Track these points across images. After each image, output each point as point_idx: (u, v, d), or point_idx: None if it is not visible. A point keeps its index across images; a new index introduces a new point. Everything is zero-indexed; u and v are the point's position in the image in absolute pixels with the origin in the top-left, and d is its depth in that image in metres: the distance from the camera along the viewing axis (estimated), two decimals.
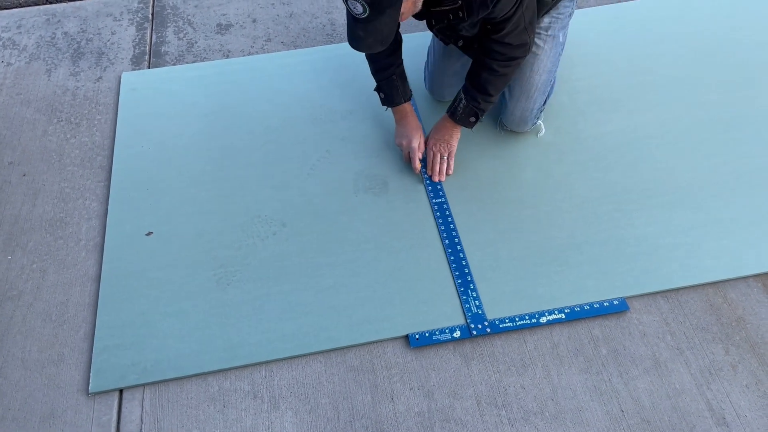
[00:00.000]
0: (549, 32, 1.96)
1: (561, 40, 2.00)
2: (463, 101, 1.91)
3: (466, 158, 2.06)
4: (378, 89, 1.99)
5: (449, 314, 1.72)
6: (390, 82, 1.96)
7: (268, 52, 2.48)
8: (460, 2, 1.64)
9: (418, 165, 2.01)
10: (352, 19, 1.55)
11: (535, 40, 1.94)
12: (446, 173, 2.02)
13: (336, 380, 1.62)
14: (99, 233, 1.94)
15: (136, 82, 2.37)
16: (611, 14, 2.53)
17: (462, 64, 2.10)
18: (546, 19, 1.95)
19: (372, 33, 1.52)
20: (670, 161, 2.03)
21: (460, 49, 1.97)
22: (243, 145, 2.14)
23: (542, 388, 1.59)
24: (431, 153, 2.03)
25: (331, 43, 2.51)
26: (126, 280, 1.82)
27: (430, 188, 1.99)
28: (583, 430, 1.52)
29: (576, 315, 1.70)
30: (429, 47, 2.22)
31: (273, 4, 2.68)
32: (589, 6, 2.56)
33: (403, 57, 1.97)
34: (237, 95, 2.30)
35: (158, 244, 1.89)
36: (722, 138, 2.08)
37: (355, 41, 1.58)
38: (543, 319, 1.70)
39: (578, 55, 2.35)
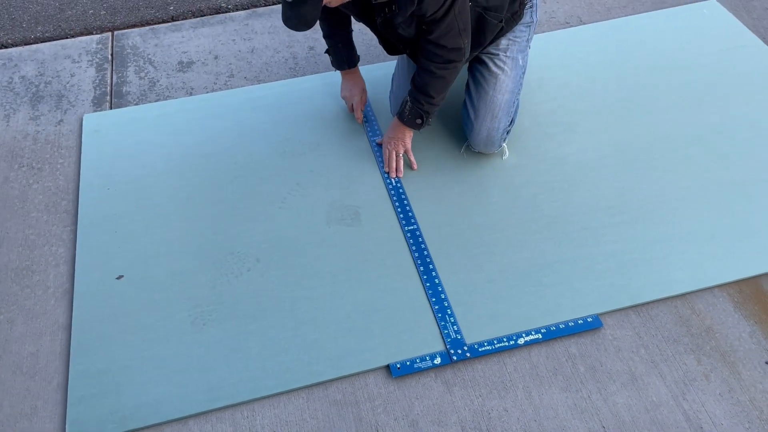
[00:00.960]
0: (508, 53, 2.04)
1: (521, 62, 2.07)
2: (409, 103, 2.02)
3: (435, 183, 2.10)
4: (327, 52, 2.18)
5: (429, 341, 1.73)
6: (336, 49, 2.14)
7: (231, 88, 2.49)
8: None
9: (359, 115, 2.26)
10: (284, 0, 1.70)
11: (496, 61, 2.02)
12: (411, 168, 2.14)
13: (319, 416, 1.62)
14: (67, 279, 1.90)
15: (99, 124, 2.34)
16: (563, 39, 2.61)
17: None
18: (504, 41, 2.03)
19: (297, 16, 1.67)
20: (628, 179, 2.09)
21: (409, 56, 2.07)
22: (211, 181, 2.13)
23: (524, 409, 1.61)
24: (386, 151, 2.14)
25: (294, 76, 2.53)
26: (98, 327, 1.78)
27: (402, 216, 2.01)
28: None
29: (552, 334, 1.73)
30: (393, 75, 2.26)
31: (234, 40, 2.70)
32: (542, 32, 2.64)
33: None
34: (202, 132, 2.30)
35: (130, 288, 1.87)
36: (675, 155, 2.16)
37: (284, 18, 1.73)
38: (521, 341, 1.72)
39: (535, 80, 2.41)
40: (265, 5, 2.89)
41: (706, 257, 1.88)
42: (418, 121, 2.03)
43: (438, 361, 1.69)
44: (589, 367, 1.68)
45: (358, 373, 1.68)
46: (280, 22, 2.76)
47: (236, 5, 2.90)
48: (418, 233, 1.97)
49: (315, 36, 2.68)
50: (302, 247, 1.95)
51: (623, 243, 1.92)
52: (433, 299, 1.81)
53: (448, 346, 1.71)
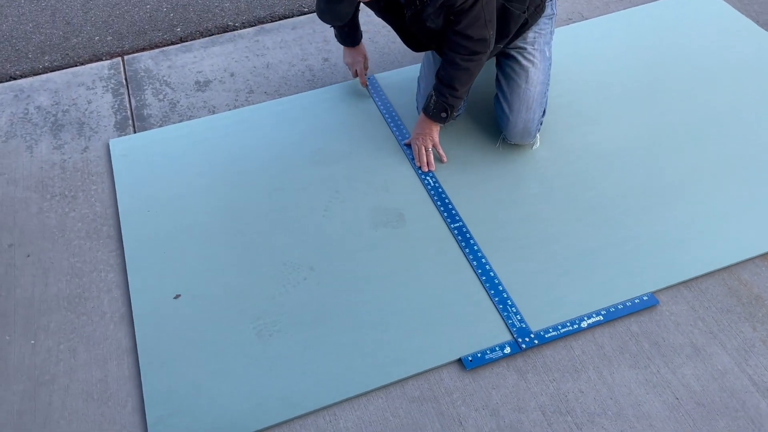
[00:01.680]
0: (536, 46, 2.11)
1: (548, 54, 2.14)
2: (434, 97, 2.07)
3: (471, 180, 2.14)
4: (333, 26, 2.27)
5: (495, 332, 1.77)
6: (341, 30, 2.28)
7: (252, 104, 2.50)
8: None
9: (363, 80, 2.43)
10: None
11: (525, 54, 2.10)
12: (441, 161, 2.20)
13: (401, 413, 1.64)
14: (123, 303, 1.89)
15: (126, 148, 2.33)
16: (568, 35, 2.69)
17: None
18: (530, 35, 2.10)
19: (331, 11, 1.89)
20: (655, 162, 2.17)
21: (435, 51, 2.13)
22: (249, 196, 2.14)
23: (599, 389, 1.66)
24: (415, 146, 2.20)
25: (314, 88, 2.55)
26: (164, 347, 1.77)
27: (445, 214, 2.05)
28: (647, 422, 1.59)
29: (612, 315, 1.79)
30: (419, 78, 2.31)
31: (247, 57, 2.72)
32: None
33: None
34: (232, 148, 2.31)
35: (189, 306, 1.86)
36: (694, 136, 2.24)
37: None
38: (584, 324, 1.77)
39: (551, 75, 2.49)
40: (272, 21, 2.92)
41: (743, 229, 1.96)
42: (443, 114, 2.09)
43: (508, 350, 1.73)
44: (652, 343, 1.74)
45: (431, 369, 1.71)
46: (290, 37, 2.79)
47: (243, 23, 2.92)
48: (464, 229, 2.01)
49: (328, 48, 2.72)
50: (353, 252, 1.97)
51: (663, 223, 1.99)
52: (492, 291, 1.85)
53: (515, 335, 1.75)
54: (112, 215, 2.13)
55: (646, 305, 1.81)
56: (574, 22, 2.78)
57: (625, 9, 2.83)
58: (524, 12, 2.01)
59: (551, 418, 1.61)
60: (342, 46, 2.39)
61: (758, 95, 2.37)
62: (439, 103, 2.06)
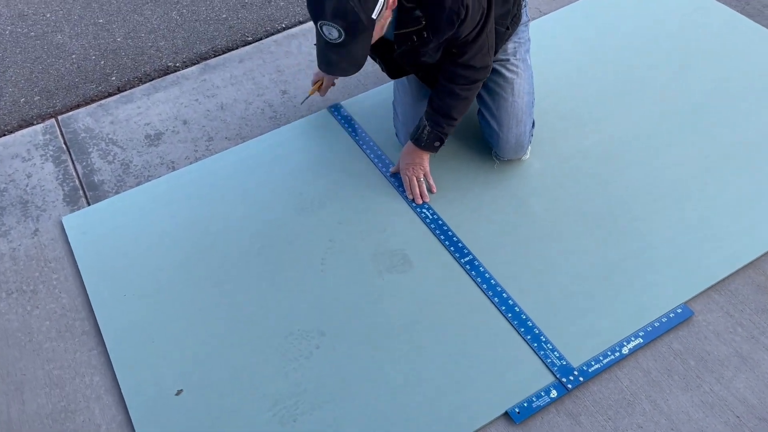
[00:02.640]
0: (517, 56, 2.00)
1: (529, 62, 2.05)
2: (427, 128, 1.93)
3: (469, 205, 2.01)
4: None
5: (536, 375, 1.64)
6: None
7: (215, 152, 2.29)
8: (424, 23, 1.66)
9: (324, 93, 2.28)
10: (324, 44, 1.56)
11: (507, 66, 1.99)
12: (430, 192, 2.04)
13: None
14: (118, 410, 1.66)
15: (82, 224, 2.08)
16: (531, 34, 2.58)
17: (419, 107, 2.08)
18: (510, 45, 1.99)
19: (346, 57, 1.56)
20: (653, 160, 2.09)
21: (420, 79, 1.99)
22: (234, 260, 1.94)
23: (657, 420, 1.56)
24: (406, 178, 2.04)
25: (278, 125, 2.36)
26: None
27: (452, 248, 1.91)
28: None
29: (651, 335, 1.69)
30: (394, 102, 2.15)
31: (197, 99, 2.49)
32: None
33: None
34: (202, 207, 2.09)
35: (194, 400, 1.66)
36: (686, 125, 2.18)
37: (327, 66, 1.61)
38: (624, 350, 1.67)
39: None
40: (215, 55, 2.69)
41: (758, 221, 1.91)
42: (437, 143, 1.97)
43: (554, 394, 1.61)
44: (698, 359, 1.66)
45: (479, 430, 1.57)
46: (239, 71, 2.58)
47: (184, 62, 2.68)
48: (476, 263, 1.87)
49: (284, 78, 2.53)
50: (362, 306, 1.81)
51: (676, 226, 1.91)
52: (522, 329, 1.72)
53: (558, 375, 1.63)
54: (82, 306, 1.89)
55: (682, 318, 1.72)
56: (534, 19, 2.67)
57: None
58: (507, 28, 1.89)
59: None
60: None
61: (739, 76, 2.33)
62: (434, 134, 1.93)
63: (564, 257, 1.87)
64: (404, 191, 2.06)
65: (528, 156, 2.12)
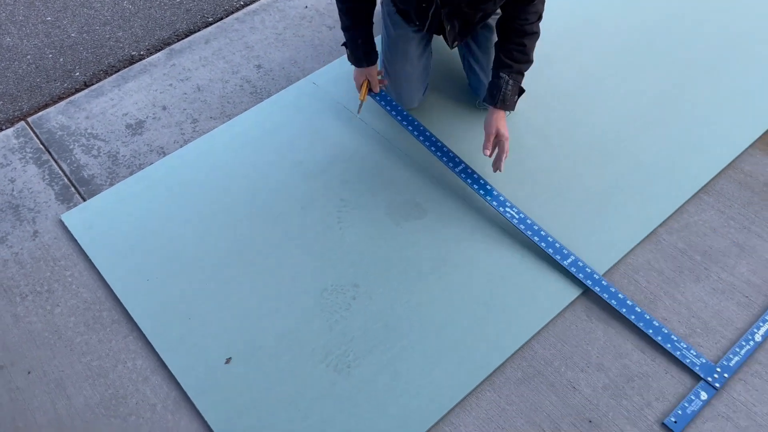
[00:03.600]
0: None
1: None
2: (510, 83, 1.87)
3: (475, 145, 2.09)
4: (344, 45, 2.06)
5: (564, 287, 1.76)
6: (355, 45, 2.01)
7: (204, 133, 2.28)
8: None
9: (377, 89, 2.16)
10: None
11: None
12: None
13: (515, 399, 1.60)
14: (171, 388, 1.67)
15: (85, 219, 2.04)
16: None
17: (423, 66, 2.12)
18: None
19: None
20: (628, 86, 2.23)
21: (457, 33, 1.94)
22: (253, 231, 1.96)
23: (679, 311, 1.72)
24: (501, 149, 1.92)
25: (261, 99, 2.37)
26: (241, 419, 1.60)
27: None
28: (732, 327, 1.67)
29: None
30: (389, 71, 2.17)
31: (171, 84, 2.46)
32: None
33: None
34: (206, 186, 2.09)
35: (246, 366, 1.69)
36: (654, 53, 2.33)
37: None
38: (757, 336, 1.64)
39: None
40: (179, 40, 2.66)
41: (729, 125, 2.09)
42: (516, 97, 1.93)
43: (704, 396, 1.57)
44: (702, 253, 1.83)
45: (522, 347, 1.68)
46: (207, 52, 2.56)
47: (148, 49, 2.63)
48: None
49: (255, 54, 2.53)
50: (389, 255, 1.88)
51: (659, 142, 2.07)
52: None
53: (702, 375, 1.60)
54: (105, 297, 1.86)
55: None
56: None
57: None
58: None
59: None
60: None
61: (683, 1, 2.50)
62: (516, 87, 1.89)
63: (567, 183, 1.99)
64: (400, 146, 2.12)
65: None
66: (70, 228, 2.02)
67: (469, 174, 1.99)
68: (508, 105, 1.92)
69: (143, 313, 1.81)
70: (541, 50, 2.15)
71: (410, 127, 2.12)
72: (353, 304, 1.78)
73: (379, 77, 2.17)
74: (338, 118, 2.24)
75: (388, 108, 2.17)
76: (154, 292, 1.85)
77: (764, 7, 2.46)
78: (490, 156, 1.92)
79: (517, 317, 1.72)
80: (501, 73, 1.88)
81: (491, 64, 2.03)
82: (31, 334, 1.81)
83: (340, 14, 1.98)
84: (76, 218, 2.04)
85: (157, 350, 1.73)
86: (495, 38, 2.03)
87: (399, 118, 2.15)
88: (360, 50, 2.01)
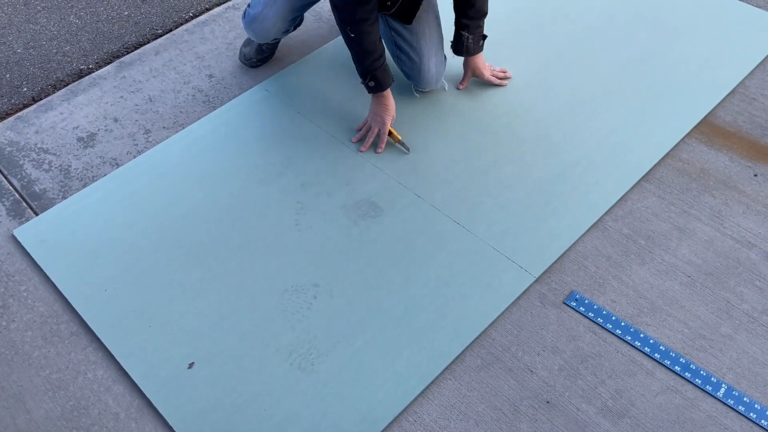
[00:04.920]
0: None
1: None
2: (470, 38, 2.15)
3: (417, 151, 2.15)
4: (370, 78, 2.02)
5: (516, 276, 1.82)
6: (383, 68, 2.03)
7: (157, 143, 2.28)
8: None
9: (383, 147, 2.16)
10: None
11: (423, 2, 2.09)
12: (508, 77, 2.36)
13: (475, 385, 1.65)
14: (134, 396, 1.67)
15: (39, 233, 2.02)
16: None
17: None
18: None
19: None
20: (567, 82, 2.33)
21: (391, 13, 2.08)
22: (211, 237, 1.97)
23: (626, 293, 1.79)
24: (494, 78, 2.31)
25: (214, 108, 2.39)
26: (207, 423, 1.60)
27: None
28: (678, 306, 1.76)
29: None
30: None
31: (122, 96, 2.45)
32: None
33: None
34: (160, 195, 2.09)
35: (209, 369, 1.70)
36: (588, 52, 2.44)
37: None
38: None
39: None
40: (128, 52, 2.65)
41: (665, 115, 2.19)
42: (481, 42, 2.19)
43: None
44: (646, 237, 1.91)
45: (482, 333, 1.73)
46: (158, 63, 2.57)
47: (97, 62, 2.62)
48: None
49: (206, 63, 2.55)
50: (347, 254, 1.91)
51: (601, 133, 2.16)
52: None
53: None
54: (63, 310, 1.85)
55: None
56: None
57: None
58: None
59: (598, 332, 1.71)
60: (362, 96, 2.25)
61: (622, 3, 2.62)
62: (477, 37, 2.15)
63: (516, 175, 2.07)
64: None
65: (447, 87, 2.30)
66: (23, 243, 2.00)
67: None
68: (473, 51, 2.18)
69: (102, 323, 1.80)
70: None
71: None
72: (314, 303, 1.81)
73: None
74: (291, 123, 2.27)
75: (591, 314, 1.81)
76: (112, 301, 1.84)
77: (697, 1, 2.60)
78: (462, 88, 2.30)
79: (474, 306, 1.77)
80: (461, 32, 2.13)
81: (424, 42, 2.12)
82: None
83: (362, 54, 1.99)
84: (28, 233, 2.02)
85: (117, 359, 1.73)
86: (425, 16, 2.12)
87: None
88: (386, 67, 2.05)
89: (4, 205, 2.13)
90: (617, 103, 2.25)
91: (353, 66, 2.07)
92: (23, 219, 2.09)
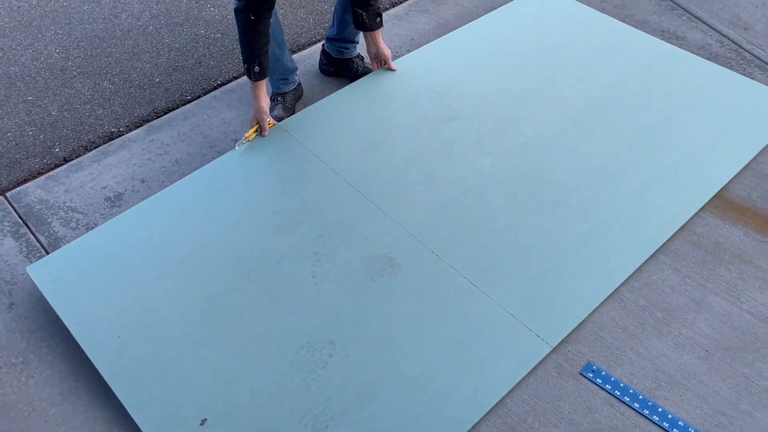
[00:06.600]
0: None
1: None
2: (364, 14, 2.45)
3: (434, 209, 2.18)
4: (257, 63, 2.24)
5: (532, 344, 1.82)
6: (267, 55, 2.26)
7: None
8: None
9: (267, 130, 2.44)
10: None
11: None
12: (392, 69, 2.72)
13: None
14: None
15: (50, 272, 2.02)
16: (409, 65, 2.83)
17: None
18: None
19: None
20: (581, 150, 2.36)
21: None
22: (225, 286, 1.97)
23: (643, 366, 1.78)
24: (385, 60, 2.68)
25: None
26: None
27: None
28: (696, 380, 1.74)
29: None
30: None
31: (150, 158, 2.54)
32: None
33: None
34: (176, 236, 2.09)
35: (222, 426, 1.69)
36: (599, 121, 2.49)
37: None
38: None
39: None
40: (157, 117, 2.76)
41: (681, 187, 2.22)
42: (378, 19, 2.50)
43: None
44: (663, 310, 1.92)
45: (500, 402, 1.72)
46: (186, 128, 2.66)
47: (127, 126, 2.72)
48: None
49: (232, 129, 2.64)
50: (363, 311, 1.91)
51: (615, 204, 2.19)
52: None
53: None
54: (81, 367, 1.87)
55: None
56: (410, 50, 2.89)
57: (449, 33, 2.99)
58: None
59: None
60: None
61: (628, 76, 2.69)
62: (372, 14, 2.46)
63: (533, 240, 2.08)
64: (374, 198, 2.21)
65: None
66: (35, 280, 2.00)
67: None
68: (371, 27, 2.49)
69: (115, 374, 1.78)
70: (504, 111, 2.29)
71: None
72: (330, 362, 1.81)
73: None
74: (312, 169, 2.31)
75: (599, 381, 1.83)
76: (125, 351, 1.83)
77: (709, 73, 2.66)
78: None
79: (490, 373, 1.77)
80: (355, 9, 2.45)
81: None
82: (4, 406, 1.79)
83: (251, 39, 2.20)
84: (41, 271, 2.03)
85: (129, 411, 1.72)
86: None
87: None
88: (263, 50, 2.24)
89: (29, 261, 2.18)
90: (632, 172, 2.29)
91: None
92: None
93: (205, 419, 1.71)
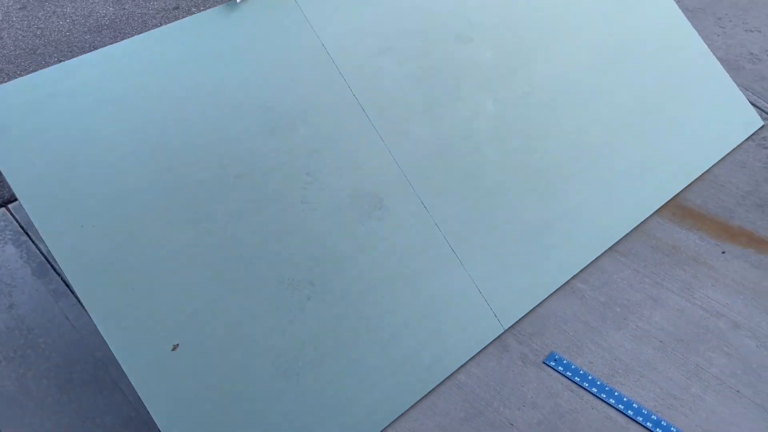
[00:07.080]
0: None
1: None
2: None
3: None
4: None
5: (487, 324, 1.95)
6: None
7: None
8: None
9: None
10: None
11: None
12: None
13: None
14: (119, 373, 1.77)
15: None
16: None
17: None
18: None
19: None
20: (528, 153, 2.25)
21: None
22: (210, 190, 1.77)
23: (602, 355, 1.92)
24: None
25: None
26: (185, 412, 1.60)
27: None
28: (651, 367, 1.88)
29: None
30: None
31: None
32: None
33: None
34: (157, 108, 1.77)
35: (194, 355, 1.64)
36: (565, 112, 2.37)
37: None
38: None
39: None
40: None
41: (637, 192, 2.34)
42: None
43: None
44: (621, 305, 2.06)
45: (471, 359, 1.86)
46: None
47: None
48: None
49: None
50: (347, 255, 1.86)
51: (576, 198, 2.24)
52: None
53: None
54: (77, 360, 1.98)
55: None
56: None
57: None
58: None
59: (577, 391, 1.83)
60: None
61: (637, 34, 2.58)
62: None
63: (509, 214, 2.11)
64: (375, 120, 2.02)
65: None
66: None
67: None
68: None
69: (75, 270, 1.60)
70: (519, 43, 2.28)
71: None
72: (307, 306, 1.77)
73: None
74: (316, 61, 2.02)
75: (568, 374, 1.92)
76: (88, 247, 1.62)
77: (676, 79, 2.62)
78: None
79: (450, 345, 1.89)
80: None
81: None
82: (4, 397, 1.90)
83: None
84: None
85: (102, 332, 1.59)
86: None
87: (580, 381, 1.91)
88: None
89: (30, 267, 2.31)
90: (591, 174, 2.28)
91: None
92: (46, 279, 2.26)
93: (177, 345, 1.63)
